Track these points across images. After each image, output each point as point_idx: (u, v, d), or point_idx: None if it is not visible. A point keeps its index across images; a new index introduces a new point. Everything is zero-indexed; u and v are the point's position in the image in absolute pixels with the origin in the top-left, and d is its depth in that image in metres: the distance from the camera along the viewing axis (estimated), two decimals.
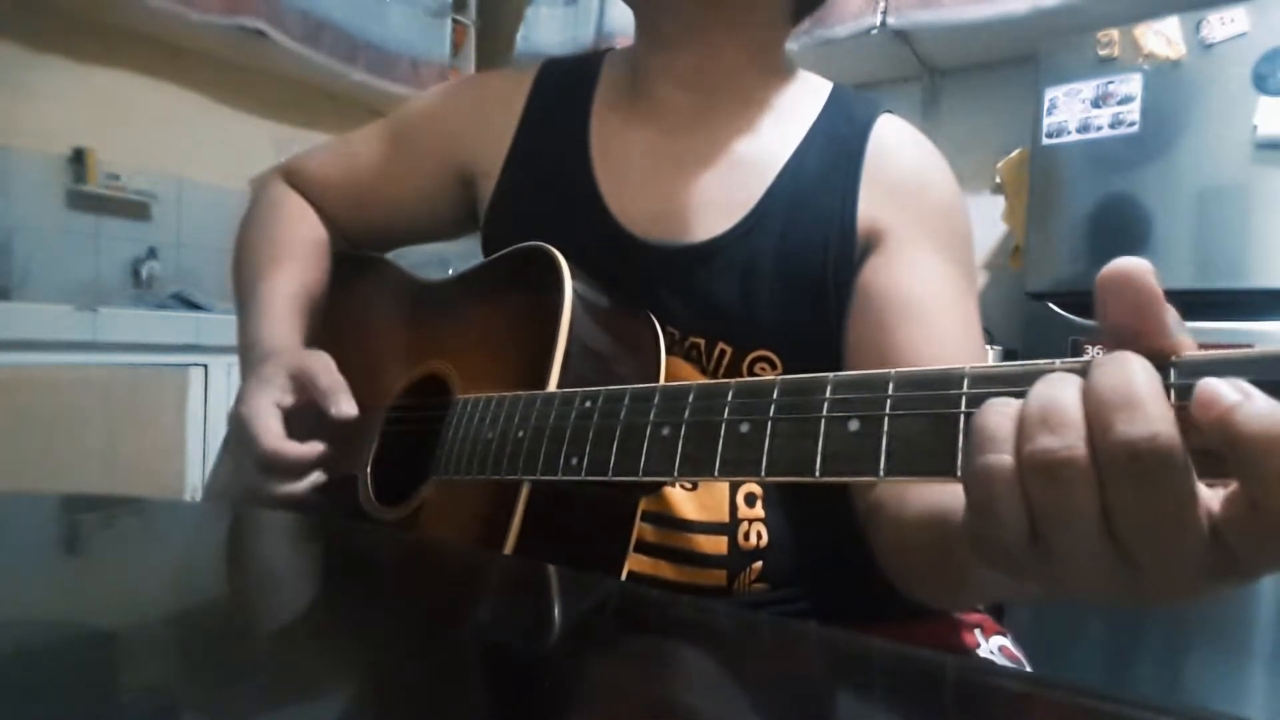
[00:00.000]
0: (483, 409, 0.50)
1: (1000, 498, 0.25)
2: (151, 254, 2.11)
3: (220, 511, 0.64)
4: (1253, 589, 1.30)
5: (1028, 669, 0.57)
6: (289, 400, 0.54)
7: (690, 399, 0.38)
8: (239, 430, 0.53)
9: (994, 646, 0.58)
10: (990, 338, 1.83)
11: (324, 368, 0.56)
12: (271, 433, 0.52)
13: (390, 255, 0.79)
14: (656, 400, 0.39)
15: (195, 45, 2.17)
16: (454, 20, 2.68)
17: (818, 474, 0.32)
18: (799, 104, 0.62)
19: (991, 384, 0.28)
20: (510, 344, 0.55)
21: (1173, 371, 0.25)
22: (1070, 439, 0.24)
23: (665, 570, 0.54)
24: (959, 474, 0.28)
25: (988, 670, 0.44)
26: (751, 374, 0.57)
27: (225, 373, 1.74)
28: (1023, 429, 0.25)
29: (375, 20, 2.39)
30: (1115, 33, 1.46)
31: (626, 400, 0.41)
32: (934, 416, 0.29)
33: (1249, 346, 0.25)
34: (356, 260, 0.77)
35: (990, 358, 1.70)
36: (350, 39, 2.33)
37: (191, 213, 2.23)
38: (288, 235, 0.73)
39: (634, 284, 0.58)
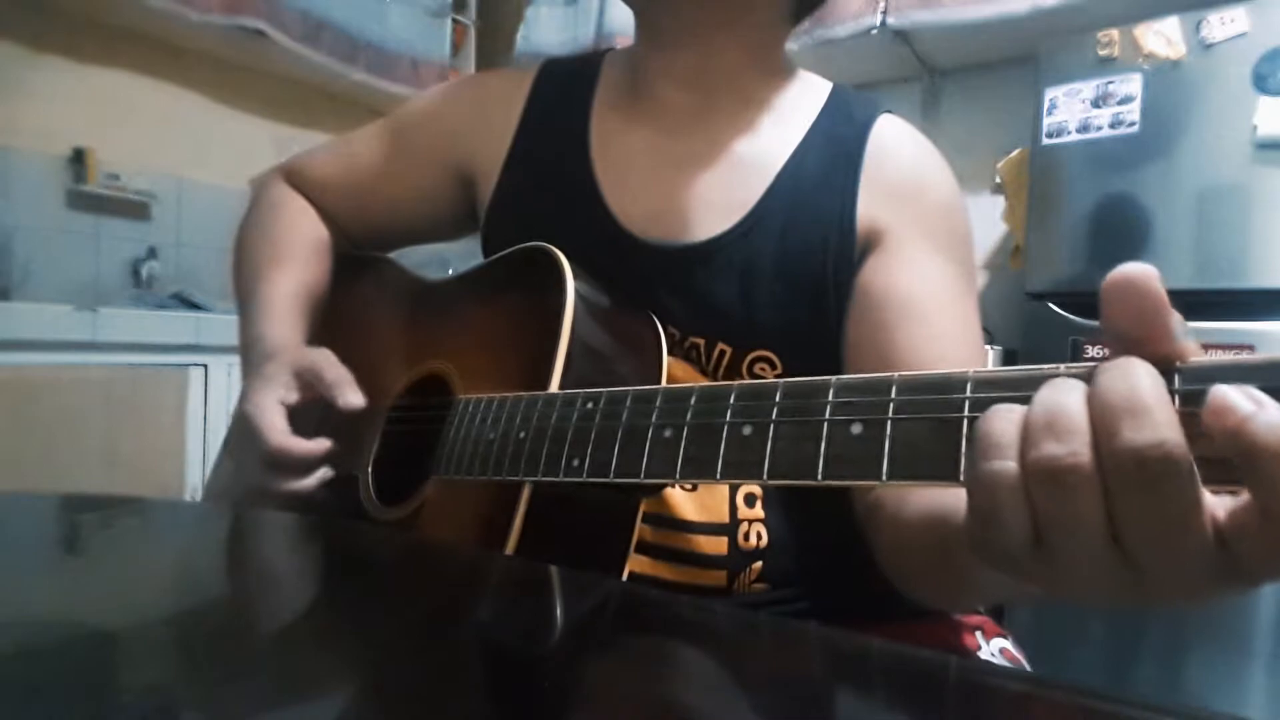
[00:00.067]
0: (484, 409, 0.50)
1: (1004, 503, 0.25)
2: (151, 254, 2.11)
3: (220, 512, 0.64)
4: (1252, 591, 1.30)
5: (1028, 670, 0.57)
6: (293, 397, 0.54)
7: (692, 401, 0.38)
8: (244, 428, 0.53)
9: (995, 648, 0.58)
10: (990, 338, 1.83)
11: (329, 361, 0.56)
12: (277, 429, 0.52)
13: (391, 255, 0.79)
14: (659, 402, 0.39)
15: (195, 45, 2.17)
16: (454, 20, 2.68)
17: (820, 477, 0.32)
18: (799, 104, 0.62)
19: (994, 388, 0.28)
20: (512, 344, 0.55)
21: (1177, 377, 0.25)
22: (1075, 445, 0.24)
23: (665, 571, 0.54)
24: (961, 478, 0.28)
25: (988, 670, 0.44)
26: (751, 374, 0.57)
27: (225, 373, 1.74)
28: (1027, 435, 0.25)
29: (375, 20, 2.39)
30: (1115, 33, 1.46)
31: (628, 402, 0.41)
32: (937, 420, 0.29)
33: (1249, 347, 0.25)
34: (357, 260, 0.77)
35: (990, 358, 1.70)
36: (350, 39, 2.33)
37: (191, 213, 2.23)
38: (288, 235, 0.73)
39: (634, 284, 0.58)
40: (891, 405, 0.30)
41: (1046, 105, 1.54)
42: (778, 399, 0.34)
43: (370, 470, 0.60)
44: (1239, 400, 0.22)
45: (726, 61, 0.61)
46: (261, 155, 2.23)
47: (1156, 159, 1.42)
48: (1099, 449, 0.24)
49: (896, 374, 0.31)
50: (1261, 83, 1.32)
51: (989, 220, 1.94)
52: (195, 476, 1.70)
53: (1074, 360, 0.28)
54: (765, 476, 0.33)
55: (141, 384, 1.64)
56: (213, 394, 1.73)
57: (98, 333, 1.56)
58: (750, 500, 0.56)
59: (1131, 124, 1.45)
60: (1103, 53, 1.48)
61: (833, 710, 0.27)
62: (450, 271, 0.72)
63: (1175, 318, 0.25)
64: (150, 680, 0.26)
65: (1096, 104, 1.48)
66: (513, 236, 0.59)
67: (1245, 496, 0.23)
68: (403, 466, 0.58)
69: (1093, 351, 1.43)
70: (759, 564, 0.55)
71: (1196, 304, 1.26)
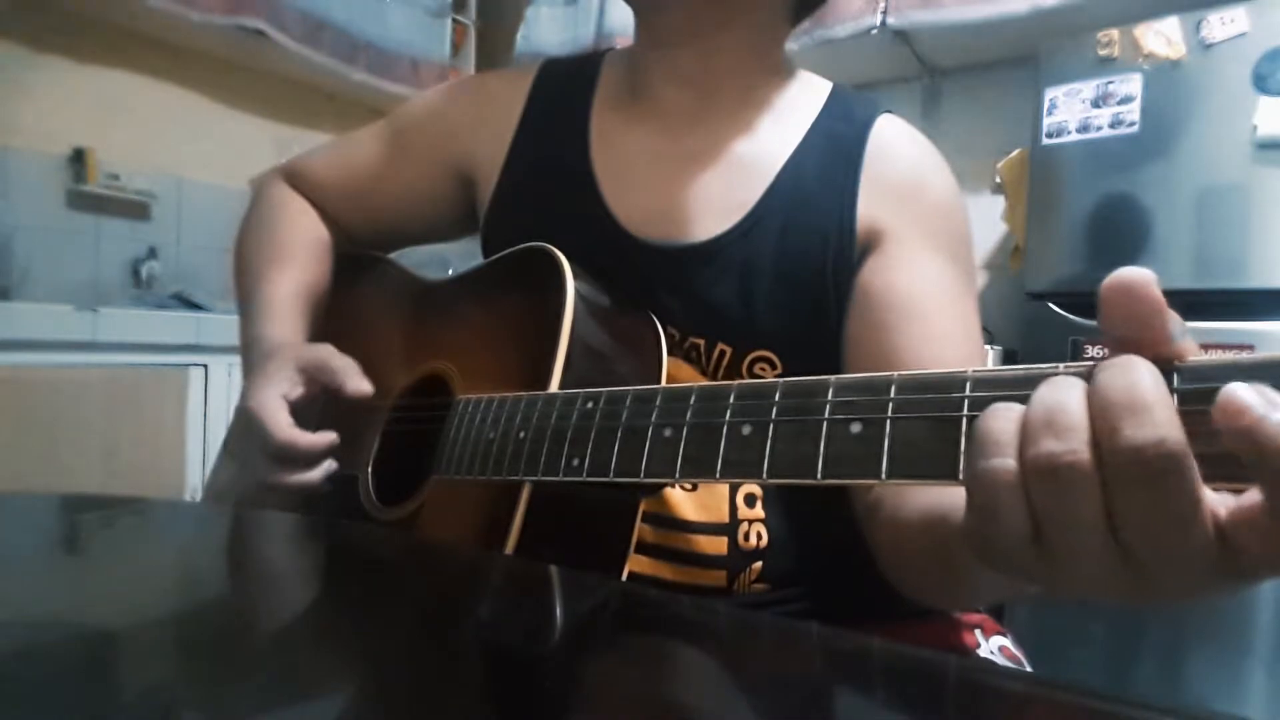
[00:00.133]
0: (484, 409, 0.50)
1: (1003, 501, 0.25)
2: (151, 254, 2.11)
3: (220, 512, 0.64)
4: (1253, 589, 1.30)
5: (1028, 669, 0.57)
6: (296, 393, 0.55)
7: (692, 401, 0.38)
8: (248, 424, 0.53)
9: (994, 647, 0.58)
10: (990, 338, 1.83)
11: (332, 352, 0.56)
12: (282, 423, 0.52)
13: (391, 255, 0.80)
14: (658, 402, 0.39)
15: (195, 45, 2.17)
16: (454, 20, 2.68)
17: (819, 476, 0.32)
18: (798, 104, 0.62)
19: (994, 387, 0.28)
20: (512, 344, 0.55)
21: (1176, 376, 0.25)
22: (1074, 443, 0.24)
23: (665, 571, 0.54)
24: (960, 477, 0.28)
25: (988, 670, 0.44)
26: (751, 374, 0.57)
27: (225, 373, 1.74)
28: (1026, 432, 0.25)
29: (375, 20, 2.39)
30: (1115, 33, 1.46)
31: (628, 401, 0.41)
32: (936, 420, 0.29)
33: (1249, 347, 0.25)
34: (358, 260, 0.77)
35: (990, 358, 1.70)
36: (350, 39, 2.33)
37: (191, 213, 2.23)
38: (289, 235, 0.73)
39: (633, 284, 0.58)
40: (891, 404, 0.30)
41: (1046, 105, 1.54)
42: (777, 398, 0.34)
43: (370, 470, 0.60)
44: (1253, 399, 0.22)
45: (726, 61, 0.61)
46: (261, 155, 2.23)
47: (1156, 159, 1.42)
48: (1099, 446, 0.24)
49: (896, 373, 0.31)
50: (1261, 83, 1.32)
51: (989, 220, 1.94)
52: (195, 476, 1.70)
53: (1074, 360, 0.28)
54: (765, 476, 0.33)
55: (141, 384, 1.64)
56: (213, 394, 1.73)
57: (98, 333, 1.56)
58: (750, 500, 0.56)
59: (1131, 124, 1.45)
60: (1103, 53, 1.48)
61: (833, 710, 0.27)
62: (450, 271, 0.72)
63: (1174, 318, 0.25)
64: (150, 680, 0.26)
65: (1096, 104, 1.48)
66: (512, 237, 0.59)
67: (1252, 494, 0.23)
68: (403, 467, 0.58)
69: (1093, 351, 1.43)
70: (759, 564, 0.55)
71: (1196, 304, 1.26)
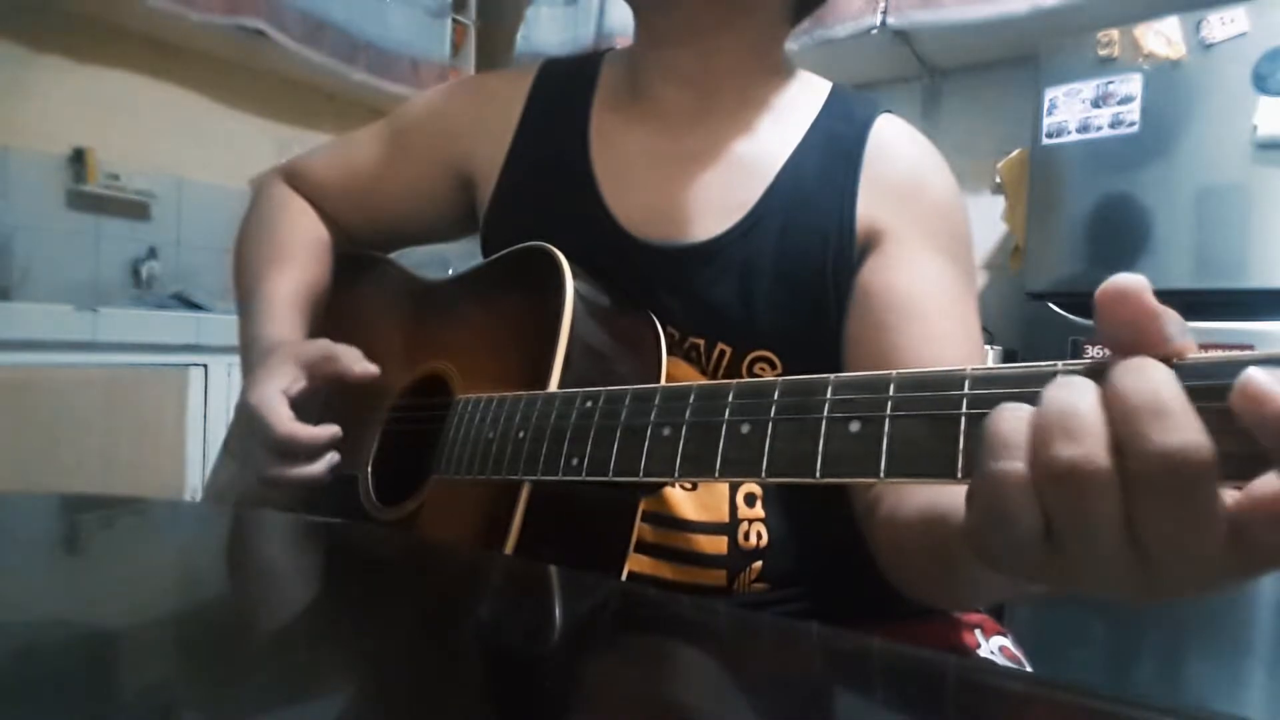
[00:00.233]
0: (483, 409, 0.50)
1: (1015, 503, 0.25)
2: (151, 254, 2.11)
3: (220, 512, 0.64)
4: (1253, 589, 1.30)
5: (1028, 669, 0.57)
6: (296, 388, 0.55)
7: (691, 399, 0.38)
8: (248, 420, 0.53)
9: (994, 646, 0.58)
10: (990, 338, 1.84)
11: (331, 343, 0.57)
12: (284, 417, 0.52)
13: (391, 255, 0.80)
14: (657, 401, 0.39)
15: (195, 45, 2.17)
16: (454, 20, 2.68)
17: (818, 475, 0.32)
18: (798, 104, 0.62)
19: (993, 385, 0.28)
20: (511, 344, 0.55)
21: (1178, 374, 0.25)
22: (1092, 447, 0.24)
23: (665, 570, 0.54)
24: (960, 475, 0.28)
25: (988, 670, 0.44)
26: (751, 374, 0.57)
27: (225, 373, 1.74)
28: (1039, 435, 0.25)
29: (375, 20, 2.39)
30: (1115, 33, 1.46)
31: (627, 401, 0.41)
32: (935, 418, 0.29)
33: (1249, 347, 0.25)
34: (358, 260, 0.77)
35: (990, 358, 1.70)
36: (350, 39, 2.33)
37: (191, 213, 2.23)
38: (289, 235, 0.73)
39: (633, 284, 0.58)
40: (890, 403, 0.30)
41: (1046, 105, 1.54)
42: (776, 397, 0.34)
43: (370, 470, 0.60)
44: (1274, 382, 0.22)
45: (726, 61, 0.61)
46: (261, 155, 2.23)
47: (1156, 159, 1.42)
48: (1120, 451, 0.23)
49: (895, 372, 0.31)
50: (1261, 83, 1.32)
51: (989, 220, 1.94)
52: (195, 477, 1.70)
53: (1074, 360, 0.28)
54: (764, 474, 0.33)
55: (141, 384, 1.64)
56: (213, 394, 1.73)
57: (98, 333, 1.56)
58: (750, 499, 0.56)
59: (1131, 124, 1.45)
60: (1103, 53, 1.48)
61: (833, 710, 0.27)
62: (450, 271, 0.72)
63: (1174, 318, 0.25)
64: (150, 680, 0.26)
65: (1096, 104, 1.48)
66: (512, 237, 0.59)
67: (1265, 485, 0.22)
68: (402, 466, 0.58)
69: (1092, 351, 1.43)
70: (759, 563, 0.55)
71: (1196, 304, 1.26)
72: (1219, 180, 1.36)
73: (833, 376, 0.33)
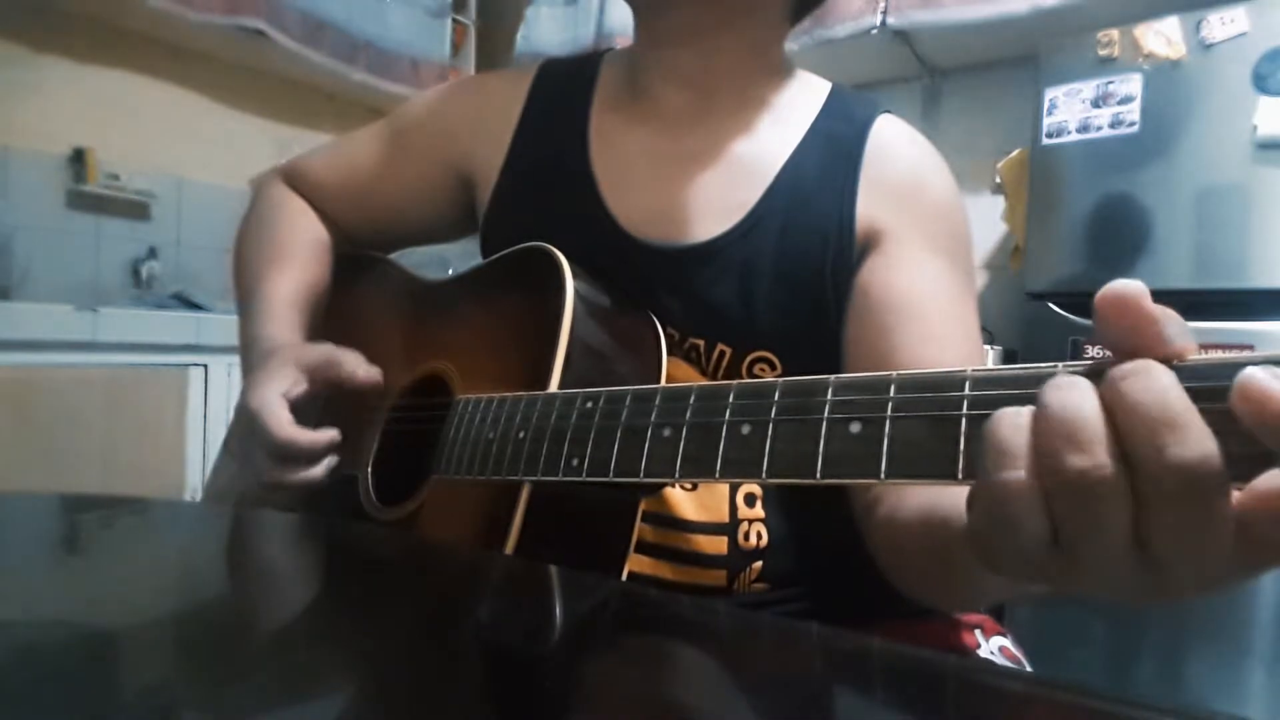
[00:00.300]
0: (484, 409, 0.50)
1: (1020, 511, 0.25)
2: (151, 254, 2.11)
3: (220, 512, 0.64)
4: (1253, 589, 1.30)
5: (1028, 669, 0.57)
6: (296, 391, 0.55)
7: (691, 400, 0.38)
8: (248, 423, 0.53)
9: (994, 647, 0.58)
10: (990, 338, 1.83)
11: (334, 347, 0.56)
12: (284, 421, 0.52)
13: (391, 255, 0.80)
14: (658, 401, 0.39)
15: (195, 45, 2.17)
16: (454, 20, 2.68)
17: (818, 476, 0.32)
18: (798, 104, 0.62)
19: (993, 387, 0.28)
20: (511, 344, 0.55)
21: (1178, 376, 0.25)
22: (1100, 456, 0.23)
23: (665, 570, 0.54)
24: (960, 477, 0.28)
25: (988, 670, 0.44)
26: (751, 375, 0.57)
27: (225, 373, 1.74)
28: (1043, 442, 0.24)
29: (375, 20, 2.39)
30: (1115, 33, 1.46)
31: (628, 401, 0.41)
32: (935, 419, 0.29)
33: (1249, 347, 0.24)
34: (357, 260, 0.77)
35: (990, 358, 1.70)
36: (350, 39, 2.33)
37: (191, 213, 2.23)
38: (289, 236, 0.73)
39: (633, 285, 0.58)
40: (890, 404, 0.30)
41: (1046, 105, 1.54)
42: (777, 398, 0.34)
43: (370, 470, 0.60)
44: (1274, 381, 0.22)
45: (726, 61, 0.61)
46: (261, 155, 2.23)
47: (1156, 159, 1.42)
48: (1129, 459, 0.23)
49: (895, 373, 0.31)
50: (1261, 83, 1.32)
51: (989, 220, 1.94)
52: (195, 477, 1.70)
53: (1074, 360, 0.28)
54: (764, 475, 0.33)
55: (141, 384, 1.64)
56: (213, 394, 1.73)
57: (98, 333, 1.56)
58: (750, 500, 0.56)
59: (1131, 124, 1.45)
60: (1103, 53, 1.48)
61: (833, 710, 0.27)
62: (450, 271, 0.72)
63: (1174, 319, 0.25)
64: (150, 680, 0.26)
65: (1096, 104, 1.48)
66: (512, 237, 0.59)
67: (1268, 481, 0.22)
68: (402, 467, 0.58)
69: (1092, 351, 1.43)
70: (759, 564, 0.55)
71: (1196, 304, 1.25)
72: (1219, 180, 1.36)
73: (833, 377, 0.33)
